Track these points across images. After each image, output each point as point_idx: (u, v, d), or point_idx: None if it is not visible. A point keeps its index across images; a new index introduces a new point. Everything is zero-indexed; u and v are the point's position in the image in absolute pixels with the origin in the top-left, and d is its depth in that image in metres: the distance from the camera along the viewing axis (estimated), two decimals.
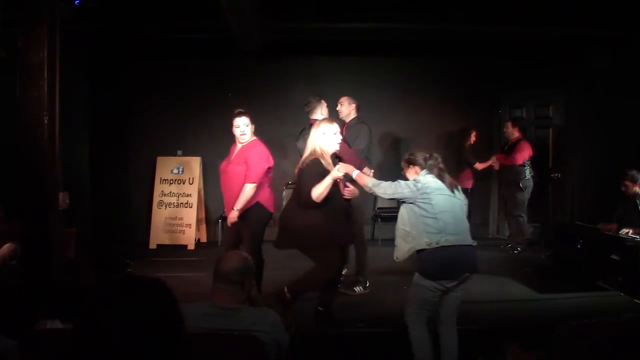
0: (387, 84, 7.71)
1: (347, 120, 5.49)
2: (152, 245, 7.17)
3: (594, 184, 6.73)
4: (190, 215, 7.21)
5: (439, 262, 3.33)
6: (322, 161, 3.86)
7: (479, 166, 6.94)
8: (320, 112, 5.22)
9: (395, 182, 3.55)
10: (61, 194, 3.70)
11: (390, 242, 7.77)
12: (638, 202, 5.33)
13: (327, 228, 3.83)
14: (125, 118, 7.48)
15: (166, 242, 7.19)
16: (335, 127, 3.97)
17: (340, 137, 4.01)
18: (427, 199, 3.42)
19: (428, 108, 7.80)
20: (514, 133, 6.92)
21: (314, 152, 3.91)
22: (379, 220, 7.61)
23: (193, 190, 7.25)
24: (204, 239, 7.47)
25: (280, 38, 6.68)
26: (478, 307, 4.57)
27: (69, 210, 3.81)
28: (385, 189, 3.57)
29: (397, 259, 3.60)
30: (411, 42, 7.18)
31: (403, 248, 3.53)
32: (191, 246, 7.15)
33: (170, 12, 5.99)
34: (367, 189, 3.74)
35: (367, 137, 5.31)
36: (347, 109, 5.50)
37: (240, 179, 4.45)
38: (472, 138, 6.97)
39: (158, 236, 7.22)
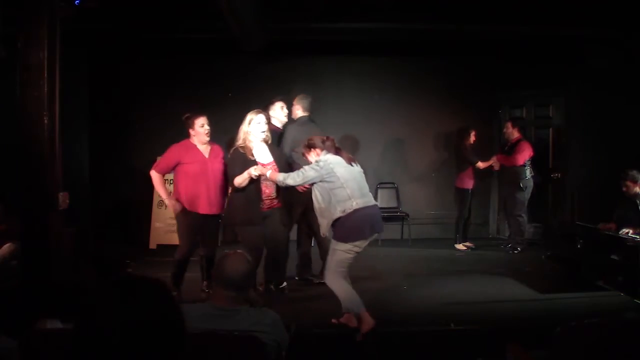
0: (387, 83, 7.71)
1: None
2: (152, 245, 7.16)
3: (594, 184, 6.73)
4: None
5: (354, 224, 3.79)
6: (242, 150, 4.38)
7: (481, 165, 6.91)
8: (274, 111, 5.21)
9: (301, 170, 3.98)
10: (61, 194, 3.70)
11: (390, 242, 7.82)
12: (638, 202, 5.33)
13: (242, 209, 4.37)
14: (125, 118, 7.48)
15: (166, 242, 7.17)
16: (259, 118, 4.41)
17: (265, 128, 4.43)
18: (332, 173, 3.86)
19: (428, 108, 7.80)
20: (514, 133, 6.91)
21: (239, 140, 4.43)
22: None
23: None
24: None
25: (280, 38, 6.68)
26: (478, 307, 4.58)
27: (69, 210, 3.81)
28: (295, 178, 4.01)
29: (323, 235, 4.08)
30: (411, 42, 7.18)
31: (324, 224, 3.96)
32: None
33: (171, 12, 5.99)
34: (280, 184, 4.20)
35: (288, 138, 5.16)
36: (293, 110, 5.42)
37: (222, 178, 4.64)
38: (472, 137, 6.95)
39: (158, 236, 7.22)
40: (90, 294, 1.17)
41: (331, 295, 4.79)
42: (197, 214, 4.55)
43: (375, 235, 4.01)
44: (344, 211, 3.80)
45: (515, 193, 6.79)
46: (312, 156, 4.09)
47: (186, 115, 4.73)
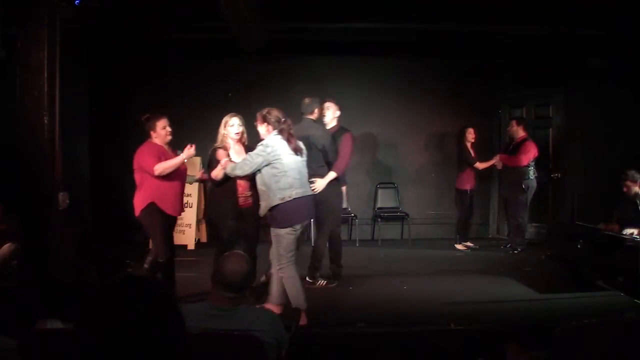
0: (387, 83, 7.71)
1: (330, 126, 5.36)
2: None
3: (594, 184, 6.72)
4: (190, 215, 7.19)
5: (291, 211, 3.96)
6: (220, 150, 4.55)
7: (479, 166, 6.87)
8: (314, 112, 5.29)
9: (248, 157, 4.09)
10: (61, 194, 3.70)
11: (390, 242, 7.80)
12: (638, 202, 5.33)
13: (222, 204, 4.54)
14: (125, 118, 7.47)
15: None
16: (233, 120, 4.58)
17: (239, 130, 4.57)
18: (278, 160, 3.97)
19: (428, 108, 7.80)
20: (519, 132, 6.82)
21: (217, 142, 4.64)
22: (379, 220, 7.61)
23: (193, 190, 7.23)
24: (204, 239, 7.47)
25: (280, 38, 6.68)
26: (478, 307, 4.58)
27: (69, 210, 3.81)
28: (243, 168, 4.09)
29: (261, 214, 4.21)
30: (411, 42, 7.18)
31: (262, 205, 4.11)
32: (191, 246, 7.14)
33: (171, 12, 5.99)
34: (230, 175, 4.28)
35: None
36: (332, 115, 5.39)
37: (184, 180, 4.74)
38: (470, 136, 6.87)
39: None
40: (90, 294, 1.17)
41: (331, 295, 4.80)
42: (169, 215, 4.52)
43: (308, 221, 4.28)
44: (282, 199, 3.94)
45: (518, 194, 6.74)
46: (262, 128, 4.12)
47: (146, 116, 4.65)
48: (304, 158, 4.18)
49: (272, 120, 4.06)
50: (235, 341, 2.15)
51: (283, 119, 4.09)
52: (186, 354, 1.20)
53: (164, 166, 4.41)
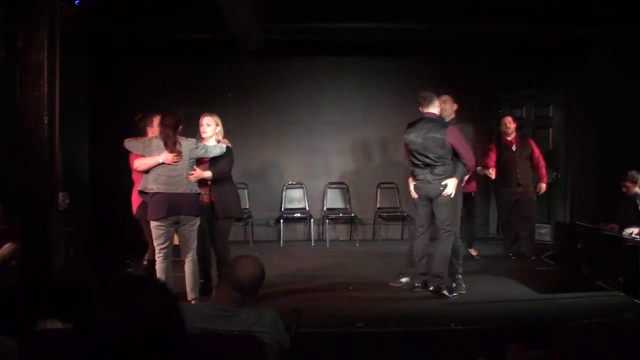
0: (386, 83, 7.71)
1: (448, 119, 5.56)
2: None
3: (594, 184, 6.72)
4: None
5: (151, 204, 4.33)
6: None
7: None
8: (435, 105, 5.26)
9: (137, 140, 4.53)
10: (61, 194, 3.70)
11: (391, 242, 7.77)
12: (638, 202, 5.33)
13: None
14: (125, 118, 7.46)
15: None
16: (203, 120, 4.74)
17: (208, 129, 4.74)
18: (150, 155, 4.38)
19: None
20: (515, 131, 6.51)
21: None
22: (379, 219, 7.61)
23: None
24: None
25: (280, 38, 6.68)
26: (478, 307, 4.57)
27: (69, 210, 3.81)
28: (130, 143, 4.53)
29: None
30: (411, 42, 7.18)
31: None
32: None
33: (171, 12, 5.99)
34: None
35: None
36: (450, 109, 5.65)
37: None
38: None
39: None
40: (90, 294, 1.17)
41: (331, 295, 4.79)
42: None
43: (182, 218, 4.37)
44: (145, 188, 4.36)
45: (534, 197, 6.51)
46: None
47: (140, 115, 4.81)
48: (185, 161, 4.36)
49: (161, 124, 4.44)
50: (235, 341, 2.15)
51: (164, 126, 4.42)
52: (186, 354, 1.20)
53: (140, 161, 4.46)
